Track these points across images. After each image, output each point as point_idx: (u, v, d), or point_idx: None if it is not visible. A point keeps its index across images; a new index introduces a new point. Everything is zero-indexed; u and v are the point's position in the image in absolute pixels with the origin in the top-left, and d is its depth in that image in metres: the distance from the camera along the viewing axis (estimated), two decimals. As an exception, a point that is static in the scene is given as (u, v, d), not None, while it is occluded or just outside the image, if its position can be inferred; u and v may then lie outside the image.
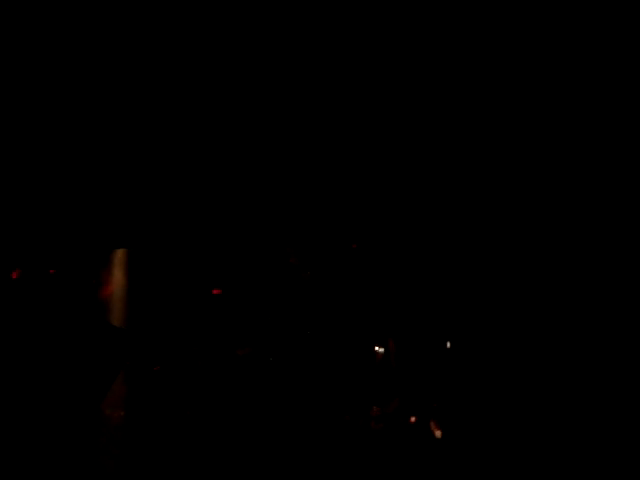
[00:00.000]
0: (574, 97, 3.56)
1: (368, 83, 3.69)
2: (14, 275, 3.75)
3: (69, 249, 3.83)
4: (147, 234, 4.00)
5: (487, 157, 3.68)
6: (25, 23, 3.63)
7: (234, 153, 3.91)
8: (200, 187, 3.95)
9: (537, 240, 3.66)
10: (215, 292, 4.26)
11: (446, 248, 3.88)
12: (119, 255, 4.13)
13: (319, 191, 3.92)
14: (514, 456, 3.49)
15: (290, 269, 4.29)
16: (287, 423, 3.98)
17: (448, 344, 3.87)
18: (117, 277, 4.07)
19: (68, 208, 3.84)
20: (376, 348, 4.06)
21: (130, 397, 4.01)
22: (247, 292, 4.33)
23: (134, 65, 3.69)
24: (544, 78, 3.57)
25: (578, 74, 3.54)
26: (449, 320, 3.90)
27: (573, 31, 3.51)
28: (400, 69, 3.64)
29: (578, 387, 3.48)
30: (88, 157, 3.80)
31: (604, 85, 3.51)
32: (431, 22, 3.59)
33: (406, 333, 4.09)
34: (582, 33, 3.50)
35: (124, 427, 3.94)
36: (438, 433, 3.73)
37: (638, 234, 3.50)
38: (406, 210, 3.89)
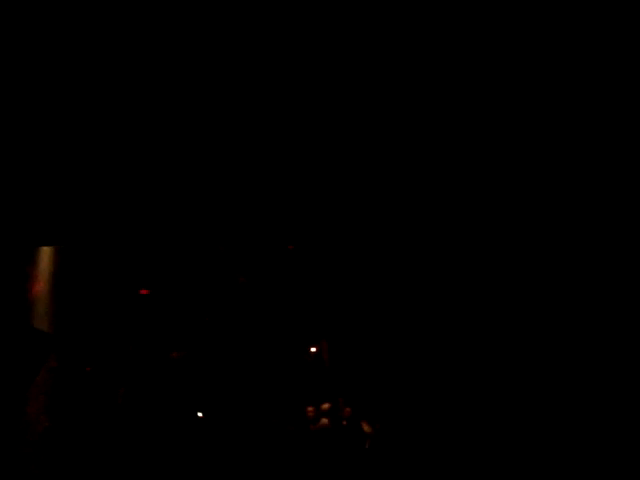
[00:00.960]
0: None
1: (308, 83, 3.68)
2: None
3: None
4: (76, 232, 3.92)
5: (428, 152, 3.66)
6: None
7: (166, 152, 3.85)
8: (131, 186, 3.88)
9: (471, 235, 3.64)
10: (143, 292, 4.15)
11: (380, 250, 3.85)
12: (46, 253, 4.02)
13: (256, 192, 3.88)
14: (447, 452, 3.44)
15: (224, 273, 4.23)
16: (223, 424, 3.89)
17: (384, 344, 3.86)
18: (44, 275, 3.96)
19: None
20: (312, 349, 4.02)
21: (57, 400, 3.89)
22: (181, 294, 4.25)
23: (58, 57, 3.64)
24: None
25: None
26: (384, 320, 3.88)
27: (573, 31, 3.49)
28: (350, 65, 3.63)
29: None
30: (12, 156, 3.75)
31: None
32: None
33: (339, 333, 4.06)
34: (582, 33, 3.48)
35: (50, 432, 3.80)
36: (368, 429, 3.70)
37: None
38: (341, 212, 3.87)
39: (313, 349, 4.21)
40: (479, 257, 3.67)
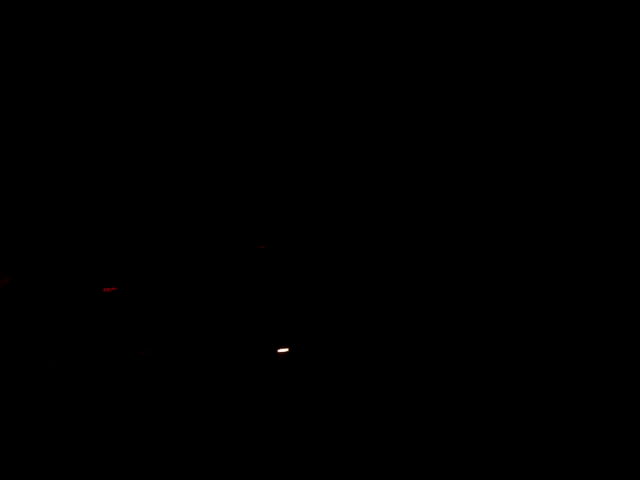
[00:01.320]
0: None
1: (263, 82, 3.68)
2: None
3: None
4: (38, 225, 3.90)
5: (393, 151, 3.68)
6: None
7: (133, 146, 3.86)
8: (94, 180, 3.89)
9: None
10: (106, 290, 4.15)
11: (347, 250, 3.88)
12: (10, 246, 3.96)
13: (226, 189, 3.90)
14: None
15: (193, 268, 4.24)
16: (189, 424, 3.91)
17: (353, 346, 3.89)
18: (7, 270, 3.90)
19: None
20: (280, 350, 4.04)
21: (26, 396, 3.90)
22: (148, 291, 4.26)
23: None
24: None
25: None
26: (350, 322, 3.90)
27: (573, 31, 3.50)
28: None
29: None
30: None
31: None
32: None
33: (305, 335, 4.07)
34: (582, 33, 3.49)
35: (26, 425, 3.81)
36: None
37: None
38: (310, 212, 3.89)
39: (282, 350, 4.22)
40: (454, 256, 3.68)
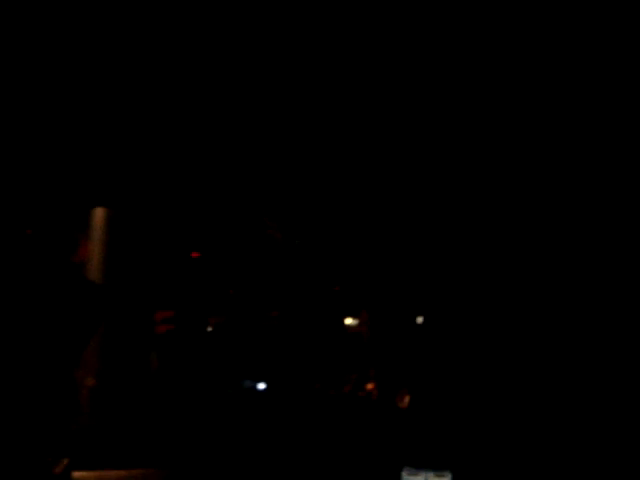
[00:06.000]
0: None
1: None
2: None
3: (46, 210, 3.61)
4: (128, 194, 3.88)
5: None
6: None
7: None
8: (180, 155, 3.93)
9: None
10: (194, 255, 4.22)
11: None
12: (98, 216, 3.83)
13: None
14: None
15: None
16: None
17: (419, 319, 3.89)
18: (95, 239, 3.77)
19: (43, 169, 3.75)
20: (348, 321, 4.08)
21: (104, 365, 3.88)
22: (232, 260, 4.24)
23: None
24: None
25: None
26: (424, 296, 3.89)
27: (573, 31, 3.49)
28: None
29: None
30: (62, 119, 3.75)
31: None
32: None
33: (380, 307, 4.07)
34: (582, 33, 3.48)
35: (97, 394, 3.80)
36: (403, 404, 3.74)
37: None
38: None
39: (349, 320, 4.29)
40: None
